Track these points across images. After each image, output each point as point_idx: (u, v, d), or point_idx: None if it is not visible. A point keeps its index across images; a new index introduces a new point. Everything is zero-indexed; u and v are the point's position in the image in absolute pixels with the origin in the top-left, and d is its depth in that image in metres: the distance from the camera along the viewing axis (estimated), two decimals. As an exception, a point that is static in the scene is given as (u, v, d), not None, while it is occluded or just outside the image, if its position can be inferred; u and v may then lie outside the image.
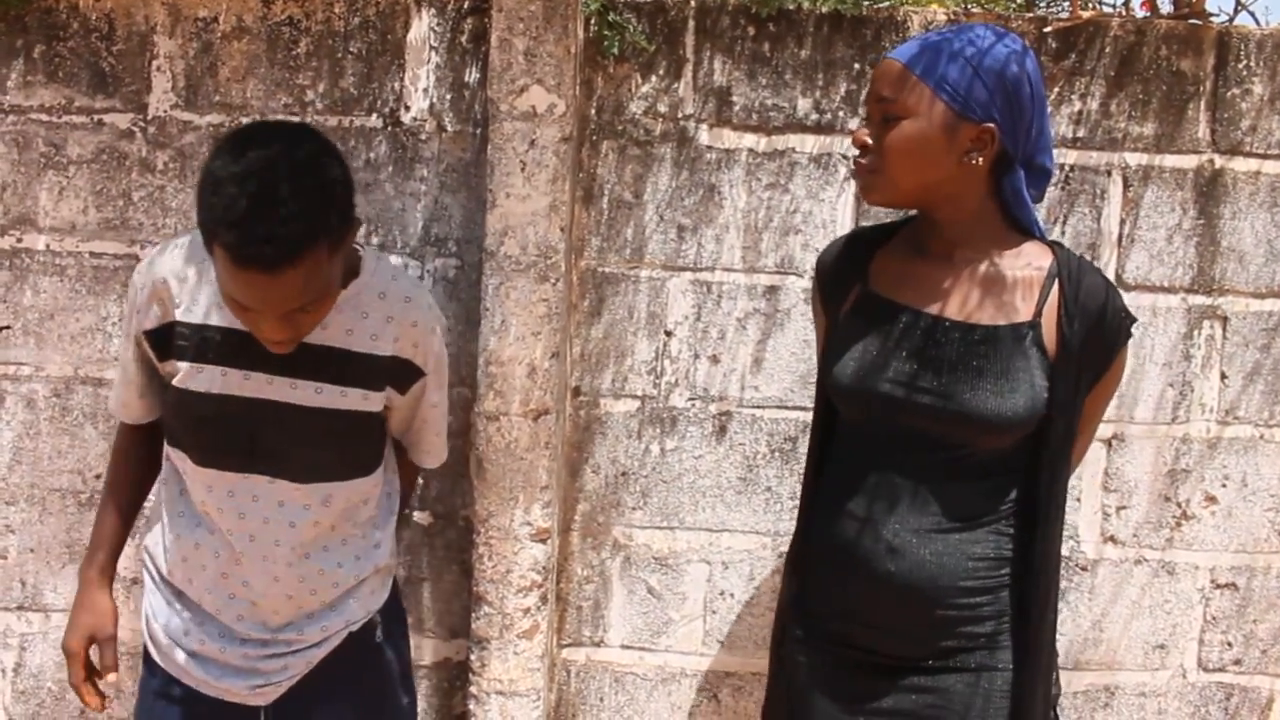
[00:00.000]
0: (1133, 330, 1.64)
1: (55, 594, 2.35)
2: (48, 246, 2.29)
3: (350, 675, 1.76)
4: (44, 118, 2.28)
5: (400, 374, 1.69)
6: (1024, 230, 1.64)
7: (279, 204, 1.39)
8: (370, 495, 1.74)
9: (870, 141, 1.57)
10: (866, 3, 2.23)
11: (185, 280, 1.61)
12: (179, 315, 1.61)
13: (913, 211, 1.71)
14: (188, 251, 1.63)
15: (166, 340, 1.63)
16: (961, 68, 1.53)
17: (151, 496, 1.85)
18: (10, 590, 2.36)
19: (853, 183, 2.22)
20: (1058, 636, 1.70)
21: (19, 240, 2.30)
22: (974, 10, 2.30)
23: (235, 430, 1.61)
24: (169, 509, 1.72)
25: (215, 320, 1.60)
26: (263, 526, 1.66)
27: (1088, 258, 2.21)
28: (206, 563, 1.70)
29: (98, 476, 2.29)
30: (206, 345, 1.60)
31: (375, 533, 1.76)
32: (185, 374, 1.61)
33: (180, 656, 1.71)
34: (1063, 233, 2.24)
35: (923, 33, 2.13)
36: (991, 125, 1.54)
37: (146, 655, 1.78)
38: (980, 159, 1.56)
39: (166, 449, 1.72)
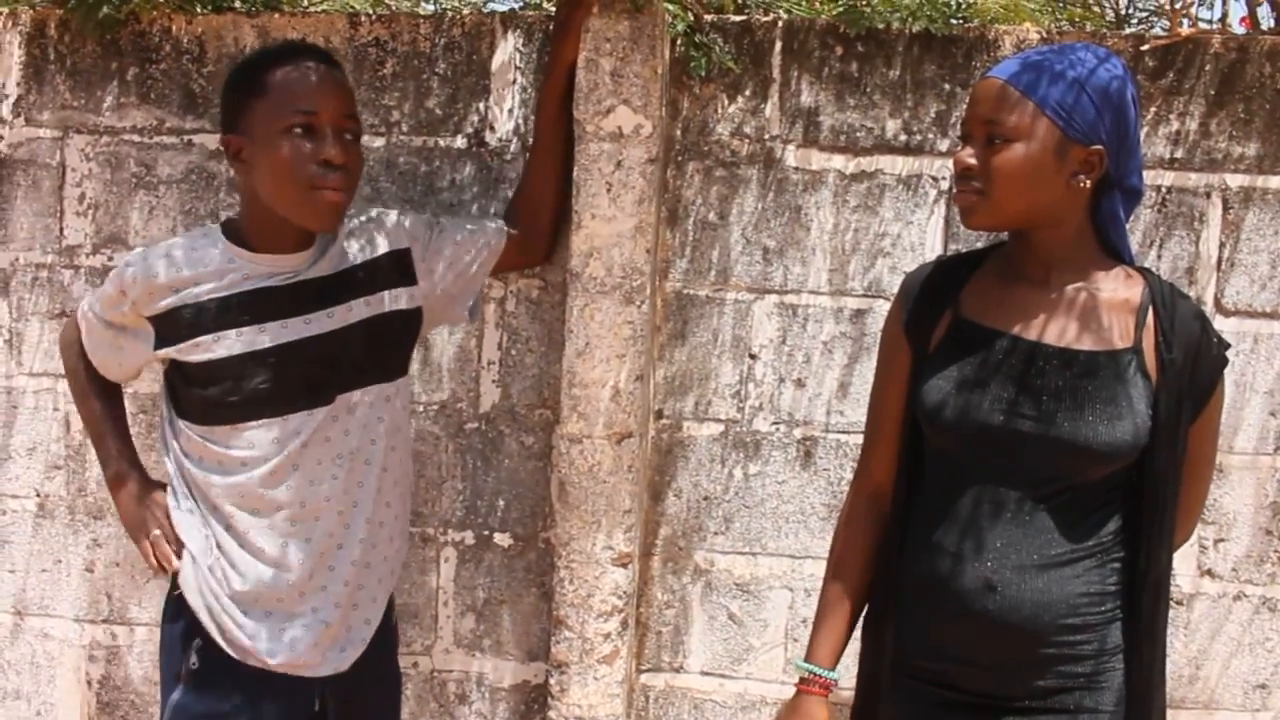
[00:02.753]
0: (1228, 356, 1.60)
1: (140, 608, 2.38)
2: (137, 265, 2.32)
3: (378, 681, 1.89)
4: (136, 138, 2.31)
5: (400, 264, 1.85)
6: (1114, 254, 1.61)
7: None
8: (401, 402, 1.86)
9: (975, 164, 1.53)
10: (956, 22, 2.19)
11: (202, 264, 1.74)
12: (215, 291, 1.73)
13: (1002, 236, 1.67)
14: (186, 246, 1.77)
15: (193, 319, 1.72)
16: (1069, 88, 1.50)
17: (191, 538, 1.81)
18: (97, 604, 2.40)
19: (942, 205, 2.18)
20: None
21: (110, 259, 2.34)
22: (1067, 29, 2.25)
23: (300, 371, 1.73)
24: (231, 535, 1.75)
25: (248, 286, 1.74)
26: (316, 468, 1.75)
27: (1185, 282, 2.16)
28: (292, 563, 1.75)
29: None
30: (246, 306, 1.72)
31: (407, 468, 1.90)
32: (232, 341, 1.70)
33: (258, 644, 1.75)
34: (1159, 256, 2.18)
35: (1018, 52, 2.11)
36: (1100, 147, 1.51)
37: (199, 637, 1.76)
38: (1087, 181, 1.53)
39: (209, 473, 1.74)
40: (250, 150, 1.70)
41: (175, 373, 1.77)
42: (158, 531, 1.79)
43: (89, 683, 2.42)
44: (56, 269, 2.35)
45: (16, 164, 2.35)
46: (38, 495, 2.40)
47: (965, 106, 1.61)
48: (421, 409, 2.28)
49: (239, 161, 1.73)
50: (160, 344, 1.74)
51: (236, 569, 1.74)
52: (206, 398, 1.72)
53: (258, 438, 1.72)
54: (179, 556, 1.76)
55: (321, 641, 1.77)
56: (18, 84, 2.34)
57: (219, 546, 1.75)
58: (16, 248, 2.36)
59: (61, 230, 2.35)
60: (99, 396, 1.89)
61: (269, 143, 1.67)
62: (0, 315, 2.37)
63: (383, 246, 1.84)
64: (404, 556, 1.94)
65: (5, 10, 2.33)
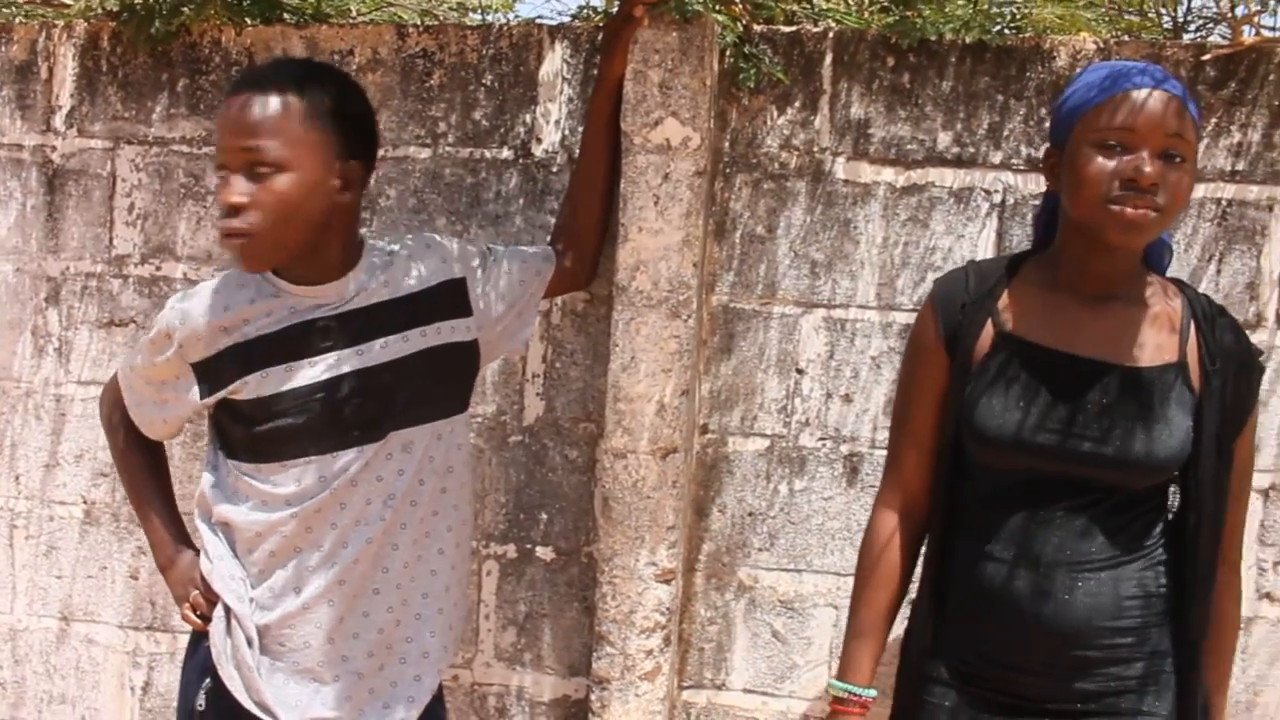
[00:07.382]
0: (1264, 364, 1.66)
1: (184, 617, 2.38)
2: (184, 275, 2.34)
3: None
4: (185, 149, 2.33)
5: (455, 295, 1.78)
6: (1151, 266, 1.64)
7: (284, 64, 1.73)
8: (456, 441, 1.79)
9: (1156, 182, 1.49)
10: (1010, 32, 2.15)
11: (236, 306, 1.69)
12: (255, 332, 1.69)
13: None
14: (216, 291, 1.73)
15: (245, 356, 1.68)
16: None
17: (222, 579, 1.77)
18: (141, 611, 2.41)
19: (995, 219, 2.14)
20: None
21: (158, 268, 2.36)
22: (1124, 39, 2.20)
23: (352, 405, 1.67)
24: (265, 577, 1.71)
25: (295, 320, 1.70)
26: (365, 508, 1.69)
27: (1246, 298, 2.11)
28: (323, 605, 1.70)
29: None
30: (293, 340, 1.68)
31: (459, 520, 1.81)
32: (281, 376, 1.67)
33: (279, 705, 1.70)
34: (1219, 271, 2.12)
35: (1075, 65, 2.07)
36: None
37: (210, 678, 1.73)
38: None
39: (253, 511, 1.69)
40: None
41: (222, 412, 1.72)
42: (196, 592, 1.76)
43: (132, 689, 2.43)
44: (106, 278, 2.37)
45: (69, 174, 2.37)
46: (84, 502, 2.42)
47: (1126, 109, 1.51)
48: (465, 421, 2.27)
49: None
50: (206, 391, 1.69)
51: (266, 610, 1.70)
52: (255, 435, 1.66)
53: (306, 474, 1.66)
54: (212, 613, 1.74)
55: (356, 695, 1.70)
56: (71, 95, 2.36)
57: (250, 589, 1.71)
58: (67, 257, 2.38)
59: (111, 240, 2.37)
60: (141, 462, 1.86)
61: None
62: (50, 323, 2.40)
63: (438, 275, 1.78)
64: (464, 614, 1.85)
65: (60, 24, 2.36)
